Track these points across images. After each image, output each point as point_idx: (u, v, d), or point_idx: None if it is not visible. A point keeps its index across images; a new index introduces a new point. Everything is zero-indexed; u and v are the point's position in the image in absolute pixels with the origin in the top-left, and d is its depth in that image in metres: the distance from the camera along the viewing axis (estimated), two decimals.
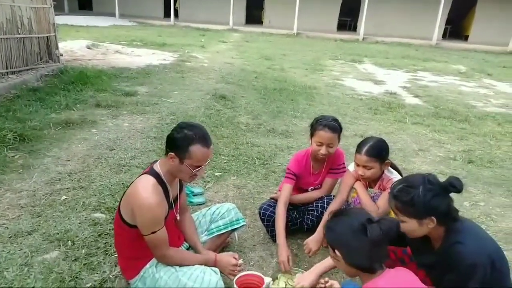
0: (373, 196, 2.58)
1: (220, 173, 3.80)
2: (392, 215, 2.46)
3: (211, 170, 3.83)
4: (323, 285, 1.92)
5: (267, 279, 2.06)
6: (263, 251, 2.71)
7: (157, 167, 2.09)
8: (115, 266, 2.39)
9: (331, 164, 2.83)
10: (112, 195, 3.17)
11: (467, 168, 4.40)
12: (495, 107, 7.70)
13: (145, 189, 1.97)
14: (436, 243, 1.83)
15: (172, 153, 1.98)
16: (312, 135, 2.69)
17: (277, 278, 2.40)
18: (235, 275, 2.22)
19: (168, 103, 6.09)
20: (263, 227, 2.84)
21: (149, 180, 2.02)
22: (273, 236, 2.80)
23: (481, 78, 11.31)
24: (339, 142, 2.67)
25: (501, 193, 3.80)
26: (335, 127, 2.61)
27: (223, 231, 2.53)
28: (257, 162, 4.10)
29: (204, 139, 1.98)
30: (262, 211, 2.77)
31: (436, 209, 1.69)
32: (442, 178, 4.05)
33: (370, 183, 2.63)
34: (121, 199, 2.10)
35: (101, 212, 2.93)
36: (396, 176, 2.53)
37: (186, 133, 1.96)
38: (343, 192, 2.65)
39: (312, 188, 2.86)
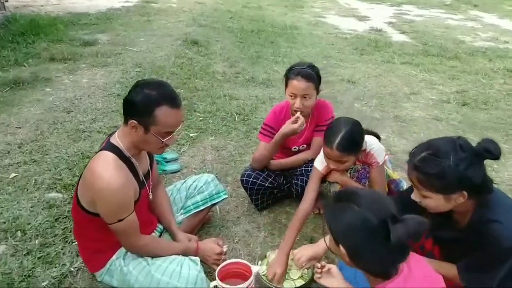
0: (356, 176, 2.18)
1: (195, 134, 3.38)
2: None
3: (186, 131, 3.40)
4: (319, 270, 1.62)
5: (255, 268, 1.75)
6: (249, 224, 2.40)
7: (116, 139, 1.67)
8: (77, 256, 2.04)
9: (318, 119, 2.43)
10: (70, 169, 2.73)
11: (462, 112, 4.11)
12: (484, 41, 7.33)
13: (105, 168, 1.56)
14: (462, 218, 1.52)
15: (134, 121, 1.56)
16: (286, 85, 2.28)
17: (265, 257, 2.11)
18: (219, 265, 1.91)
19: (133, 52, 5.43)
20: (248, 196, 2.50)
21: (108, 156, 1.61)
22: (257, 205, 2.48)
23: (467, 10, 10.80)
24: (318, 92, 2.26)
25: (500, 138, 3.54)
26: (310, 75, 2.19)
27: (202, 207, 2.18)
28: (236, 118, 3.68)
29: (172, 98, 1.57)
30: (244, 178, 2.41)
31: (469, 182, 1.35)
32: (437, 123, 3.82)
33: None
34: (79, 179, 1.69)
35: (57, 191, 2.50)
36: (375, 146, 2.10)
37: (147, 93, 1.54)
38: (309, 202, 2.11)
39: (297, 147, 2.49)
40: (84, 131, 3.24)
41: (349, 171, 2.18)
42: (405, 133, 3.57)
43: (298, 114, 2.19)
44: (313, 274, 1.95)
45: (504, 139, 3.53)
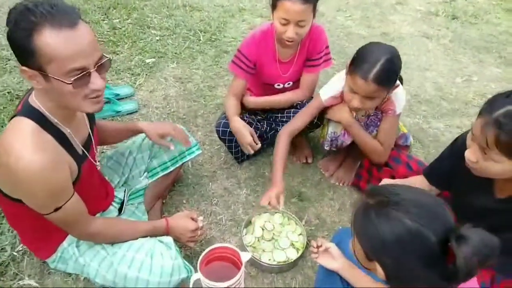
0: (365, 122, 1.83)
1: (152, 59, 2.78)
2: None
3: (140, 55, 2.78)
4: (315, 250, 1.38)
5: (246, 256, 1.46)
6: (227, 180, 2.06)
7: (33, 100, 1.16)
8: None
9: (309, 51, 1.96)
10: None
11: (452, 27, 3.71)
12: None
13: (22, 144, 1.09)
14: (508, 188, 1.26)
15: (24, 68, 1.05)
16: (273, 6, 1.73)
17: (250, 223, 1.83)
18: (196, 242, 1.60)
19: None
20: (223, 144, 2.12)
21: (26, 126, 1.12)
22: (237, 159, 2.12)
23: None
24: (314, 16, 1.76)
25: (493, 61, 3.25)
26: None
27: (171, 168, 1.78)
28: (201, 38, 3.05)
29: (53, 15, 1.01)
30: (220, 128, 1.99)
31: None
32: (427, 42, 3.42)
33: None
34: None
35: None
36: (399, 98, 1.73)
37: (17, 20, 1.00)
38: (296, 125, 1.88)
39: (281, 84, 2.04)
40: (9, 59, 2.54)
41: (355, 114, 1.82)
42: None
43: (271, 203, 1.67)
44: (307, 243, 1.74)
45: (496, 62, 3.24)
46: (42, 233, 1.41)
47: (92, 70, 1.08)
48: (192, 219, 1.57)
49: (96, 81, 1.10)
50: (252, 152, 1.88)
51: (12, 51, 1.04)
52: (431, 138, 2.42)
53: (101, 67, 1.11)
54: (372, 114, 1.81)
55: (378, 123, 1.80)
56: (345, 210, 1.95)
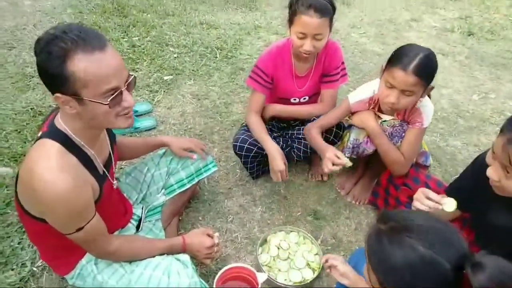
0: (390, 132, 1.83)
1: (170, 76, 2.84)
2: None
3: (159, 72, 2.85)
4: (327, 267, 1.37)
5: (262, 276, 1.46)
6: (243, 197, 2.07)
7: (59, 121, 1.19)
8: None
9: (325, 66, 1.98)
10: (19, 131, 2.21)
11: (468, 44, 3.69)
12: None
13: (47, 167, 1.11)
14: None
15: (58, 94, 1.07)
16: (290, 21, 1.76)
17: (266, 241, 1.83)
18: (213, 259, 1.61)
19: None
20: (239, 161, 2.13)
21: (51, 148, 1.15)
22: (252, 174, 2.14)
23: None
24: (331, 30, 1.78)
25: (510, 77, 3.22)
26: (325, 8, 1.69)
27: (188, 185, 1.80)
28: (218, 55, 3.11)
29: (82, 38, 1.05)
30: (238, 144, 2.00)
31: None
32: (443, 59, 3.41)
33: (385, 112, 1.84)
34: (16, 178, 1.23)
35: (5, 165, 2.02)
36: (428, 105, 1.74)
37: (48, 47, 1.02)
38: (325, 122, 1.93)
39: (297, 99, 2.06)
40: (33, 76, 2.63)
41: (380, 121, 1.84)
42: None
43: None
44: (322, 265, 1.72)
45: None
46: (62, 250, 1.43)
47: (123, 88, 1.12)
48: (208, 235, 1.58)
49: (127, 98, 1.15)
50: (280, 180, 1.87)
51: (39, 76, 1.07)
52: (448, 156, 2.39)
53: (130, 85, 1.16)
54: (398, 125, 1.80)
55: (403, 134, 1.79)
56: (362, 230, 1.93)
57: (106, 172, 1.38)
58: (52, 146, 1.15)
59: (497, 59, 3.48)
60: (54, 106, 1.22)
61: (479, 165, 1.34)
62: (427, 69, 1.56)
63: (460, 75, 3.23)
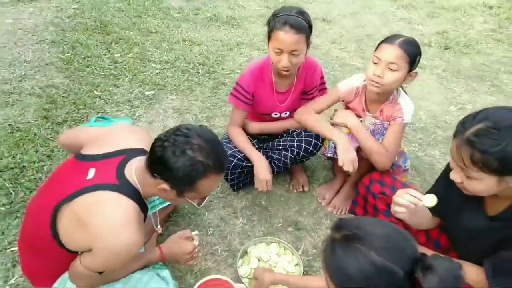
0: (372, 129, 1.88)
1: (152, 91, 2.84)
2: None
3: (140, 88, 2.86)
4: None
5: (239, 286, 1.44)
6: (224, 209, 2.06)
7: (134, 179, 1.24)
8: (13, 266, 1.64)
9: (306, 83, 2.02)
10: None
11: (445, 58, 3.81)
12: None
13: (124, 222, 1.17)
14: (498, 205, 1.28)
15: (165, 186, 1.18)
16: (269, 37, 1.81)
17: (246, 253, 1.81)
18: (195, 259, 1.58)
19: None
20: None
21: (130, 208, 1.20)
22: (233, 186, 2.13)
23: None
24: (308, 46, 1.82)
25: (486, 89, 3.32)
26: (300, 25, 1.74)
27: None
28: (200, 71, 3.14)
29: (221, 164, 1.23)
30: None
31: None
32: (421, 72, 3.48)
33: (369, 104, 1.92)
34: (58, 203, 1.21)
35: None
36: (408, 101, 1.82)
37: (193, 159, 1.14)
38: (321, 104, 1.99)
39: (278, 114, 2.09)
40: (12, 93, 2.61)
41: (363, 121, 1.91)
42: None
43: None
44: (304, 274, 1.71)
45: (490, 90, 3.31)
46: (60, 270, 1.38)
47: None
48: (188, 238, 1.55)
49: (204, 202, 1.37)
50: (265, 189, 1.91)
51: (165, 167, 1.15)
52: (427, 166, 2.43)
53: None
54: (379, 123, 1.86)
55: (384, 132, 1.84)
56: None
57: None
58: (130, 206, 1.19)
59: (473, 71, 3.59)
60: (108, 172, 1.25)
61: (449, 170, 1.38)
62: (411, 46, 1.70)
63: (438, 87, 3.32)
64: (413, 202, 1.33)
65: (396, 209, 1.37)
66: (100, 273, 1.24)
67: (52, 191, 1.29)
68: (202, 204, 1.36)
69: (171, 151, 1.13)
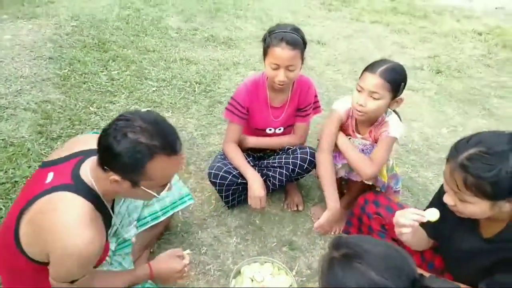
0: (361, 150, 1.91)
1: (148, 108, 2.85)
2: (384, 176, 1.88)
3: (136, 105, 2.87)
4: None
5: None
6: (217, 228, 2.04)
7: (89, 178, 1.21)
8: None
9: (300, 100, 2.06)
10: None
11: (437, 81, 3.89)
12: None
13: (77, 224, 1.13)
14: (493, 227, 1.29)
15: (115, 177, 1.14)
16: (265, 53, 1.86)
17: (239, 273, 1.79)
18: (185, 277, 1.55)
19: (68, 1, 4.55)
20: (215, 191, 2.12)
21: (82, 206, 1.16)
22: (227, 203, 2.12)
23: None
24: (303, 62, 1.87)
25: (477, 112, 3.39)
26: (296, 41, 1.79)
27: (162, 218, 1.76)
28: (196, 89, 3.17)
29: (171, 144, 1.15)
30: (213, 171, 1.99)
31: None
32: (413, 94, 3.56)
33: (359, 126, 1.95)
34: (18, 213, 1.19)
35: None
36: (395, 119, 1.86)
37: (135, 141, 1.09)
38: (328, 139, 1.91)
39: (272, 129, 2.11)
40: (7, 108, 2.60)
41: (352, 139, 1.95)
42: None
43: None
44: None
45: (481, 114, 3.38)
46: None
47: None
48: (178, 256, 1.52)
49: (168, 190, 1.26)
50: (259, 206, 1.91)
51: (109, 154, 1.11)
52: (420, 187, 2.44)
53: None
54: (368, 144, 1.89)
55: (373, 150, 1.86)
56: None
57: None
58: (82, 204, 1.16)
59: (464, 95, 3.66)
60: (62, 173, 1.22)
61: (443, 193, 1.39)
62: (393, 74, 1.70)
63: (430, 110, 3.37)
64: (417, 219, 1.32)
65: (402, 230, 1.34)
66: (73, 282, 1.19)
67: (17, 201, 1.28)
68: (164, 192, 1.26)
69: (112, 136, 1.09)
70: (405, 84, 1.76)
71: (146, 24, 4.23)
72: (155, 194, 1.22)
